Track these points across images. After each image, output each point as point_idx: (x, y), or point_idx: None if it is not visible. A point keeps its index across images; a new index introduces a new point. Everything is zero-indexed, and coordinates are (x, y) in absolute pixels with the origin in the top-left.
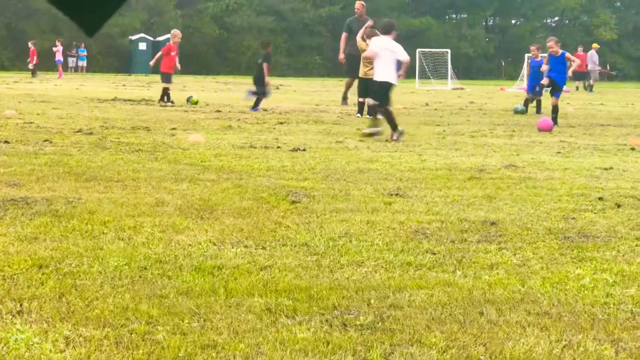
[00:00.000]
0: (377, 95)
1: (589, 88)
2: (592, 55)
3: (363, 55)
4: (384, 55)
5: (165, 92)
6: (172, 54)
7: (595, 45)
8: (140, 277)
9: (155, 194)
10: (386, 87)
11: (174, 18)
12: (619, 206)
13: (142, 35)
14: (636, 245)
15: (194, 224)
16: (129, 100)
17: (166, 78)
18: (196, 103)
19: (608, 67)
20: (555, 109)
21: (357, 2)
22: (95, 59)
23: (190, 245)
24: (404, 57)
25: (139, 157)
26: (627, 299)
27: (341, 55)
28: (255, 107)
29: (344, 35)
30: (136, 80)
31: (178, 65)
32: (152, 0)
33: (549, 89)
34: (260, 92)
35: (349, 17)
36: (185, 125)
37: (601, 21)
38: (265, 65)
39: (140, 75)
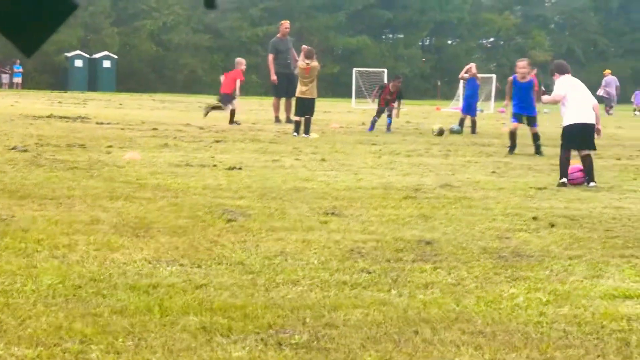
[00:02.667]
0: None
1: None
2: (612, 81)
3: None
4: None
5: (232, 114)
6: (237, 80)
7: (607, 71)
8: (74, 295)
9: (90, 212)
10: None
11: (111, 35)
12: (552, 226)
13: (78, 52)
14: (569, 265)
15: (129, 242)
16: (65, 117)
17: (226, 99)
18: None
19: (543, 87)
20: (536, 137)
21: (285, 22)
22: (30, 76)
23: (125, 263)
24: None
25: (74, 174)
26: (560, 318)
27: (273, 77)
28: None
29: (271, 56)
30: (72, 98)
31: (237, 91)
32: (89, 17)
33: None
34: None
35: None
36: (121, 142)
37: (535, 42)
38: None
39: (76, 92)
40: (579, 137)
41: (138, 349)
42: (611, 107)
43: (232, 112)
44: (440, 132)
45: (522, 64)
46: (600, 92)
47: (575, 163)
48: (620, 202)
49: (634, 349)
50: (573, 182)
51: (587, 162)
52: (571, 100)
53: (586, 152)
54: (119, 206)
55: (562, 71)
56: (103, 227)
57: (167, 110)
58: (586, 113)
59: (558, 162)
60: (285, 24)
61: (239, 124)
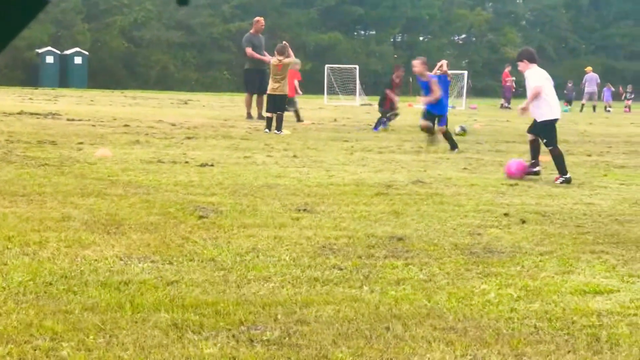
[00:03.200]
0: None
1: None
2: (594, 78)
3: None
4: None
5: (296, 113)
6: (295, 80)
7: (589, 68)
8: (45, 292)
9: (62, 209)
10: None
11: (82, 32)
12: (523, 222)
13: (49, 48)
14: (540, 261)
15: (101, 239)
16: (36, 114)
17: (291, 102)
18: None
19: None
20: (446, 135)
21: (261, 19)
22: (1, 72)
23: (96, 260)
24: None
25: (45, 171)
26: (531, 314)
27: (264, 57)
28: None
29: (249, 48)
30: (43, 94)
31: (299, 90)
32: (60, 14)
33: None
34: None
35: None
36: (92, 139)
37: (507, 39)
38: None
39: (47, 88)
40: (555, 131)
41: (109, 346)
42: (594, 106)
43: (297, 112)
44: (463, 130)
45: (416, 63)
46: (591, 89)
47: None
48: (591, 199)
49: (604, 344)
50: (515, 176)
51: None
52: (549, 92)
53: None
54: (90, 203)
55: (533, 60)
56: (74, 223)
57: (138, 107)
58: (558, 107)
59: (525, 158)
60: (262, 20)
61: (302, 120)
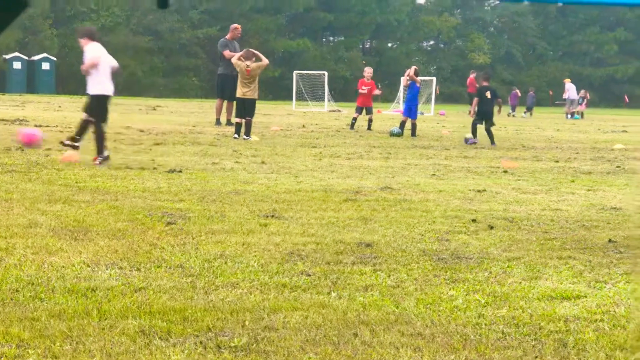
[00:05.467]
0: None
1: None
2: (570, 87)
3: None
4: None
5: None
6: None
7: (567, 79)
8: (11, 299)
9: (29, 215)
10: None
11: (50, 37)
12: (491, 228)
13: (17, 54)
14: (508, 267)
15: (68, 246)
16: (3, 120)
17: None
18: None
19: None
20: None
21: (239, 26)
22: None
23: (63, 267)
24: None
25: (12, 177)
26: (499, 320)
27: (239, 53)
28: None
29: (227, 51)
30: (10, 100)
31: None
32: (27, 19)
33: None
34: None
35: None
36: (60, 146)
37: (475, 45)
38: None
39: (14, 94)
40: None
41: (76, 353)
42: (572, 113)
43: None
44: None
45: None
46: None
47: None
48: (558, 204)
49: (571, 350)
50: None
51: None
52: (104, 68)
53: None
54: (57, 209)
55: (94, 37)
56: (41, 230)
57: None
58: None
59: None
60: (239, 28)
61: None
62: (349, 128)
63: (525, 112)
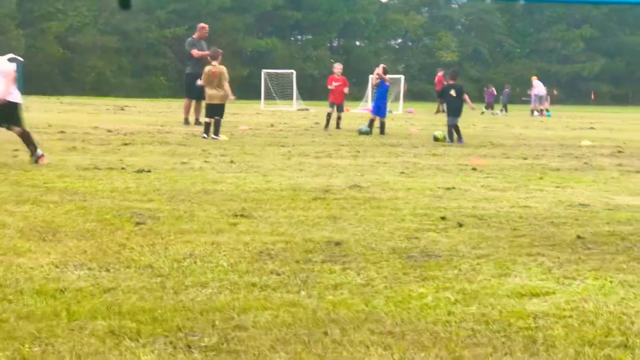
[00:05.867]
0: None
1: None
2: (537, 84)
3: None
4: None
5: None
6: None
7: (534, 77)
8: None
9: None
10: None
11: (16, 37)
12: (460, 225)
13: None
14: (477, 264)
15: (36, 247)
16: None
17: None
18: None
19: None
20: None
21: (206, 26)
22: None
23: (32, 268)
24: None
25: None
26: (468, 317)
27: (206, 52)
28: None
29: (195, 50)
30: None
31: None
32: None
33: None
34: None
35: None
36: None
37: (443, 43)
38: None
39: None
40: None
41: (45, 354)
42: (541, 110)
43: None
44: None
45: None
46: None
47: None
48: (527, 201)
49: (540, 346)
50: None
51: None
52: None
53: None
54: (25, 210)
55: None
56: (9, 231)
57: (74, 113)
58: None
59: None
60: (207, 27)
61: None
62: (323, 126)
63: (501, 110)
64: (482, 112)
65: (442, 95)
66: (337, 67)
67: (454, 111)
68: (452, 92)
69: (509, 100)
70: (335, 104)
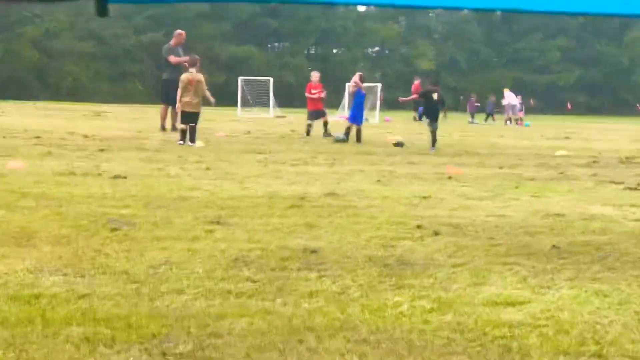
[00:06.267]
0: None
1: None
2: (508, 95)
3: None
4: None
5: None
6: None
7: (506, 89)
8: None
9: None
10: None
11: None
12: (436, 234)
13: None
14: (453, 273)
15: (11, 252)
16: None
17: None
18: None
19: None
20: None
21: (183, 32)
22: None
23: (6, 273)
24: None
25: None
26: (444, 325)
27: (185, 58)
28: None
29: (172, 57)
30: None
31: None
32: None
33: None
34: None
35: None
36: (3, 151)
37: (420, 52)
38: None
39: None
40: None
41: None
42: (517, 119)
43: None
44: (399, 144)
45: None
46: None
47: None
48: (503, 210)
49: (516, 355)
50: None
51: None
52: None
53: None
54: (0, 215)
55: None
56: None
57: (50, 118)
58: None
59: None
60: (184, 34)
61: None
62: (305, 133)
63: (486, 119)
64: (470, 122)
65: (423, 96)
66: (315, 76)
67: (433, 114)
68: (435, 96)
69: (493, 110)
70: (316, 111)
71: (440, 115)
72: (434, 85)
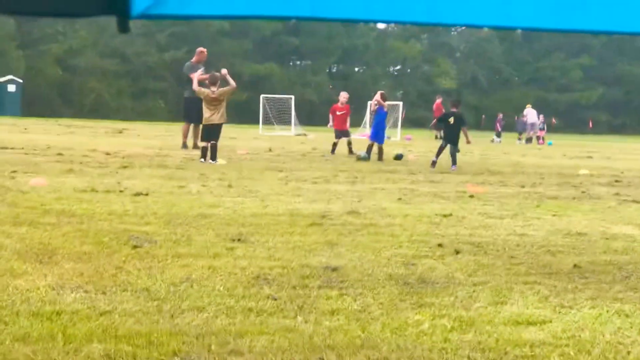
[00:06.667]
0: None
1: (528, 140)
2: (529, 112)
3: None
4: None
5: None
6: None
7: (528, 105)
8: None
9: None
10: None
11: (16, 59)
12: (457, 252)
13: None
14: (474, 291)
15: (33, 269)
16: None
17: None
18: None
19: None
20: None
21: (204, 50)
22: None
23: (28, 290)
24: None
25: None
26: (465, 344)
27: (205, 75)
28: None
29: (193, 74)
30: None
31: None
32: None
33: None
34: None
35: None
36: (26, 168)
37: (441, 71)
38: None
39: None
40: None
41: None
42: (537, 137)
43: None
44: (399, 157)
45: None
46: (531, 120)
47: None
48: (524, 229)
49: None
50: None
51: None
52: None
53: None
54: (22, 232)
55: None
56: (6, 253)
57: (73, 135)
58: None
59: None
60: (205, 52)
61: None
62: (330, 151)
63: (519, 138)
64: (492, 141)
65: (440, 121)
66: (343, 96)
67: (452, 139)
68: (450, 120)
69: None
70: (341, 130)
71: (462, 134)
72: (454, 107)
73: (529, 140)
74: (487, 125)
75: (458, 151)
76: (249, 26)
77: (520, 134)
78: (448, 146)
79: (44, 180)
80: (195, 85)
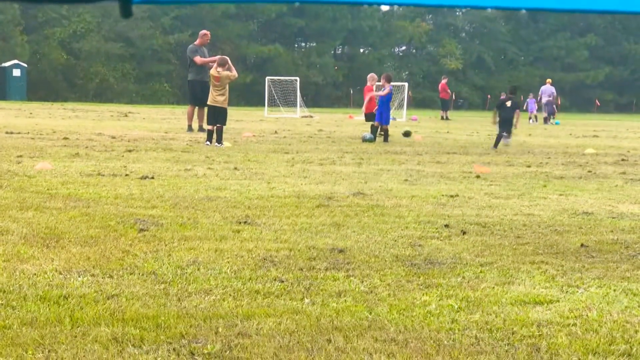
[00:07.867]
0: None
1: (546, 120)
2: (546, 90)
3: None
4: None
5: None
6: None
7: (549, 80)
8: None
9: (0, 222)
10: None
11: (21, 43)
12: (464, 233)
13: None
14: (480, 272)
15: (40, 253)
16: None
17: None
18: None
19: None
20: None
21: (208, 32)
22: None
23: (35, 274)
24: None
25: None
26: (472, 325)
27: (214, 58)
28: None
29: (198, 57)
30: None
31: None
32: None
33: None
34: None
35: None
36: (31, 152)
37: (447, 51)
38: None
39: None
40: None
41: None
42: (547, 117)
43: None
44: (407, 134)
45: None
46: (545, 100)
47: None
48: (531, 209)
49: (544, 354)
50: None
51: None
52: None
53: None
54: (29, 216)
55: None
56: (13, 237)
57: (78, 120)
58: None
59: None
60: (208, 34)
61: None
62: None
63: (550, 120)
64: (530, 119)
65: (498, 107)
66: (371, 79)
67: (506, 126)
68: (508, 103)
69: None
70: (368, 113)
71: (514, 120)
72: (512, 92)
73: (546, 119)
74: (491, 106)
75: (511, 132)
76: (254, 8)
77: (531, 113)
78: (503, 136)
79: (49, 165)
80: (200, 59)
